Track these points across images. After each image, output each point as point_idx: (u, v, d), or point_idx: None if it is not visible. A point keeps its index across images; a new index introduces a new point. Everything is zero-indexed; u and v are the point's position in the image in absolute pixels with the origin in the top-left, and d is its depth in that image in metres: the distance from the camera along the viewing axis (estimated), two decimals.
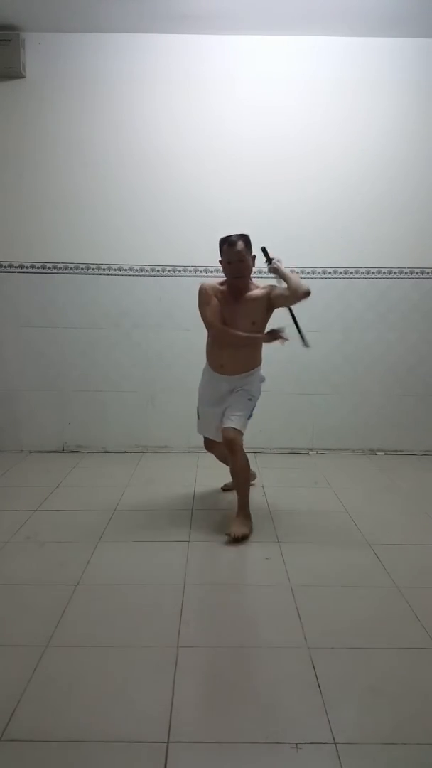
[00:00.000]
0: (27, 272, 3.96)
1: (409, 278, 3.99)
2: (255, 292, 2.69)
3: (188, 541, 2.57)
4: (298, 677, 1.64)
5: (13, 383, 4.07)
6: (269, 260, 2.72)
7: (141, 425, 4.10)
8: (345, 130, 3.87)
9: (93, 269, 3.96)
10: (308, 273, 3.95)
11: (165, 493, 3.24)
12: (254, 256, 2.66)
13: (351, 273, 3.98)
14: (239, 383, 2.74)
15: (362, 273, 3.98)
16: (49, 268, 3.96)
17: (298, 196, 3.91)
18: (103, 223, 3.92)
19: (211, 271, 3.71)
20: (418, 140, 3.89)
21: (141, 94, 3.84)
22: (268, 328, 2.71)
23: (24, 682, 1.60)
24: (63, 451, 4.11)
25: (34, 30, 3.75)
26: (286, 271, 2.67)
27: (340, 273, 3.98)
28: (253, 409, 2.77)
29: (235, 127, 3.85)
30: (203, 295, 2.68)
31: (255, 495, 2.67)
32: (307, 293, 2.58)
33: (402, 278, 3.99)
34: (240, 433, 2.65)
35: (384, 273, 3.99)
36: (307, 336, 2.76)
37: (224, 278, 2.72)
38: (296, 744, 1.39)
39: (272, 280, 2.76)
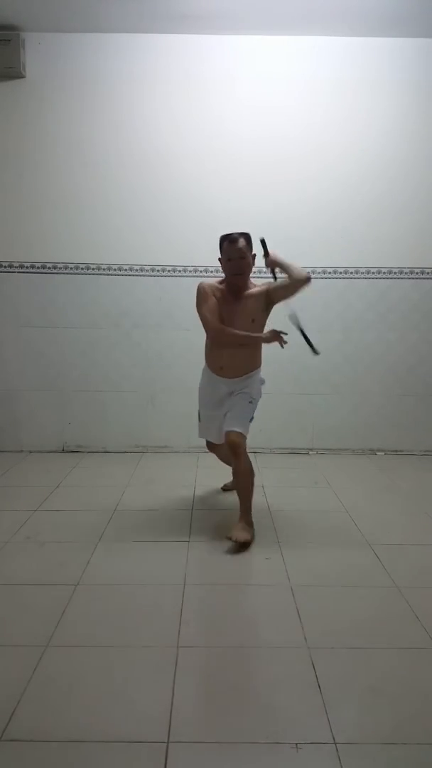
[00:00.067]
0: (27, 272, 3.96)
1: (409, 278, 3.99)
2: (254, 289, 2.67)
3: (188, 541, 2.57)
4: (298, 677, 1.64)
5: (13, 383, 4.07)
6: (267, 254, 2.67)
7: (141, 425, 4.10)
8: (345, 130, 3.87)
9: (93, 269, 3.96)
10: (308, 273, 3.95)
11: (165, 493, 3.24)
12: (254, 255, 2.65)
13: (351, 273, 3.99)
14: (239, 386, 2.70)
15: (362, 273, 3.99)
16: (49, 268, 3.96)
17: (298, 196, 3.91)
18: (103, 223, 3.92)
19: (211, 271, 3.71)
20: (418, 140, 3.89)
21: (141, 94, 3.84)
22: (267, 329, 2.69)
23: (24, 682, 1.60)
24: (63, 451, 4.11)
25: (34, 30, 3.75)
26: (286, 260, 2.63)
27: (340, 273, 3.98)
28: (254, 411, 2.73)
29: (235, 127, 3.85)
30: (201, 293, 2.65)
31: (255, 495, 2.66)
32: (307, 280, 2.56)
33: (402, 278, 3.99)
34: (243, 436, 2.62)
35: (384, 273, 3.99)
36: (315, 343, 2.67)
37: (223, 278, 2.70)
38: (296, 744, 1.39)
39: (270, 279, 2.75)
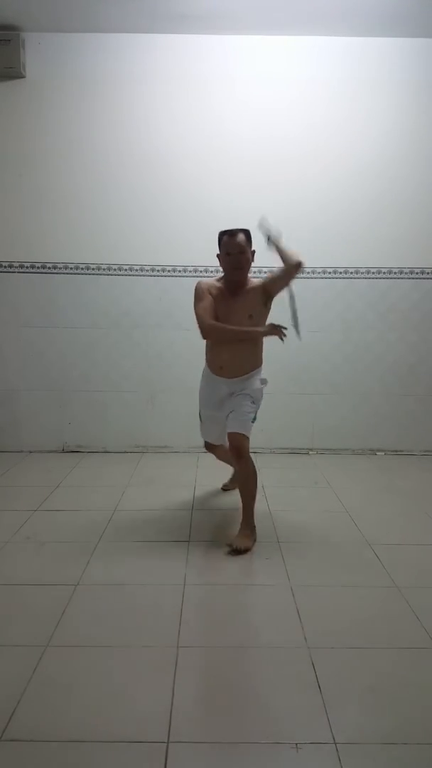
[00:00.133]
0: (27, 272, 3.96)
1: (409, 278, 3.99)
2: (251, 285, 2.63)
3: (188, 541, 2.57)
4: (298, 677, 1.64)
5: (13, 383, 4.07)
6: (269, 236, 2.61)
7: (141, 425, 4.10)
8: (345, 130, 3.87)
9: (93, 269, 3.97)
10: (308, 273, 3.94)
11: (165, 493, 3.24)
12: (254, 251, 2.63)
13: (351, 273, 3.99)
14: (239, 386, 2.66)
15: (362, 273, 3.99)
16: (49, 268, 3.96)
17: (298, 196, 3.91)
18: (103, 223, 3.92)
19: (211, 271, 3.71)
20: (417, 140, 3.89)
21: (141, 94, 3.84)
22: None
23: (24, 682, 1.60)
24: (63, 451, 4.11)
25: (34, 30, 3.75)
26: (285, 245, 2.59)
27: (340, 273, 3.98)
28: (257, 411, 2.69)
29: (235, 127, 3.85)
30: (197, 292, 2.61)
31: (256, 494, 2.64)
32: (299, 265, 2.51)
33: (402, 278, 3.99)
34: (247, 438, 2.59)
35: (384, 273, 3.99)
36: (301, 327, 2.65)
37: (222, 275, 2.67)
38: (296, 744, 1.39)
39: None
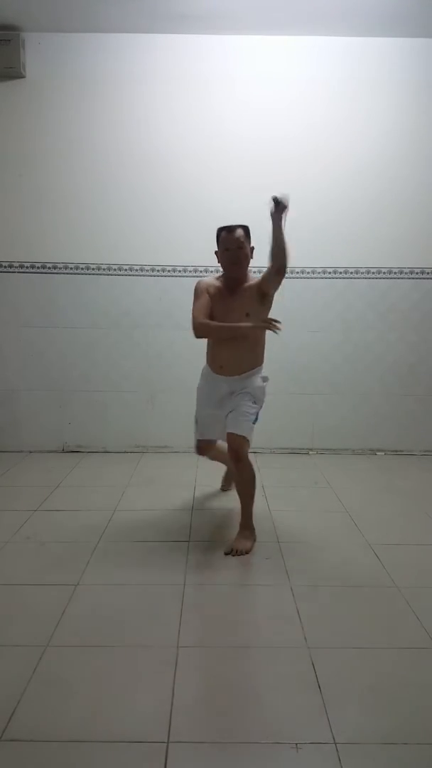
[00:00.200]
0: (27, 272, 3.97)
1: (409, 278, 3.99)
2: (248, 283, 2.60)
3: (188, 541, 2.57)
4: (298, 677, 1.64)
5: (13, 383, 4.07)
6: (277, 203, 2.47)
7: (141, 425, 4.10)
8: (345, 130, 3.87)
9: (93, 269, 3.97)
10: (308, 273, 3.96)
11: (165, 493, 3.24)
12: (252, 248, 2.60)
13: (351, 273, 3.99)
14: (240, 385, 2.63)
15: (362, 273, 3.99)
16: (49, 268, 3.96)
17: (298, 196, 3.85)
18: (103, 223, 3.92)
19: (212, 271, 3.68)
20: (417, 140, 3.89)
21: (141, 94, 3.84)
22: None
23: (24, 682, 1.60)
24: (63, 451, 4.11)
25: (34, 30, 3.75)
26: (283, 231, 2.48)
27: (340, 273, 3.98)
28: (259, 412, 2.64)
29: (235, 127, 3.85)
30: (195, 290, 2.60)
31: (255, 495, 2.63)
32: (283, 268, 2.43)
33: (402, 278, 3.99)
34: (246, 440, 2.54)
35: (384, 273, 3.99)
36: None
37: (222, 273, 2.65)
38: (296, 744, 1.39)
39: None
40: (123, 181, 3.89)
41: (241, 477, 2.58)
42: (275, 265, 2.47)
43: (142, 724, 1.45)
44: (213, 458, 3.04)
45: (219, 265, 2.65)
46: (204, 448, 2.90)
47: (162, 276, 3.96)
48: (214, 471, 3.34)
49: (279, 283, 2.55)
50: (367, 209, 3.93)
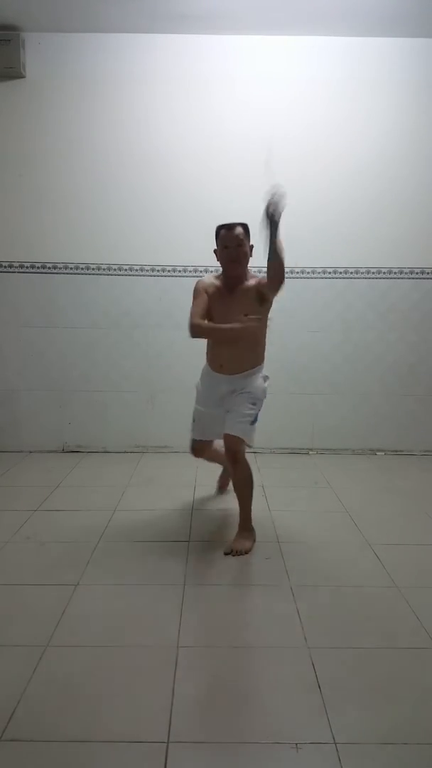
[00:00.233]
0: (27, 272, 3.97)
1: (409, 278, 3.99)
2: (248, 283, 2.58)
3: (188, 541, 2.57)
4: (298, 677, 1.64)
5: (13, 383, 4.07)
6: (271, 218, 2.40)
7: (141, 425, 4.10)
8: (345, 130, 3.87)
9: (93, 269, 3.97)
10: (308, 273, 3.96)
11: (165, 493, 3.24)
12: (252, 246, 2.59)
13: (351, 273, 3.99)
14: (240, 384, 2.61)
15: (362, 273, 3.99)
16: (49, 268, 3.96)
17: (298, 196, 3.87)
18: (103, 223, 3.92)
19: (212, 271, 3.69)
20: (417, 140, 3.89)
21: (141, 94, 3.84)
22: (269, 327, 2.61)
23: (24, 682, 1.60)
24: (63, 451, 4.11)
25: (34, 30, 3.75)
26: (280, 244, 2.41)
27: (340, 273, 3.98)
28: (259, 412, 2.61)
29: (235, 127, 3.85)
30: (194, 290, 2.59)
31: (255, 495, 2.62)
32: (282, 264, 2.36)
33: (402, 278, 3.99)
34: (243, 442, 2.52)
35: (384, 273, 3.99)
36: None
37: (221, 272, 2.63)
38: (296, 744, 1.39)
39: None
40: (123, 181, 3.89)
41: (238, 478, 2.58)
42: (275, 280, 2.41)
43: (142, 724, 1.45)
44: (209, 459, 3.02)
45: (217, 260, 2.62)
46: (199, 449, 2.87)
47: (162, 276, 3.96)
48: (214, 471, 3.34)
49: (278, 291, 2.49)
50: (367, 209, 3.93)
